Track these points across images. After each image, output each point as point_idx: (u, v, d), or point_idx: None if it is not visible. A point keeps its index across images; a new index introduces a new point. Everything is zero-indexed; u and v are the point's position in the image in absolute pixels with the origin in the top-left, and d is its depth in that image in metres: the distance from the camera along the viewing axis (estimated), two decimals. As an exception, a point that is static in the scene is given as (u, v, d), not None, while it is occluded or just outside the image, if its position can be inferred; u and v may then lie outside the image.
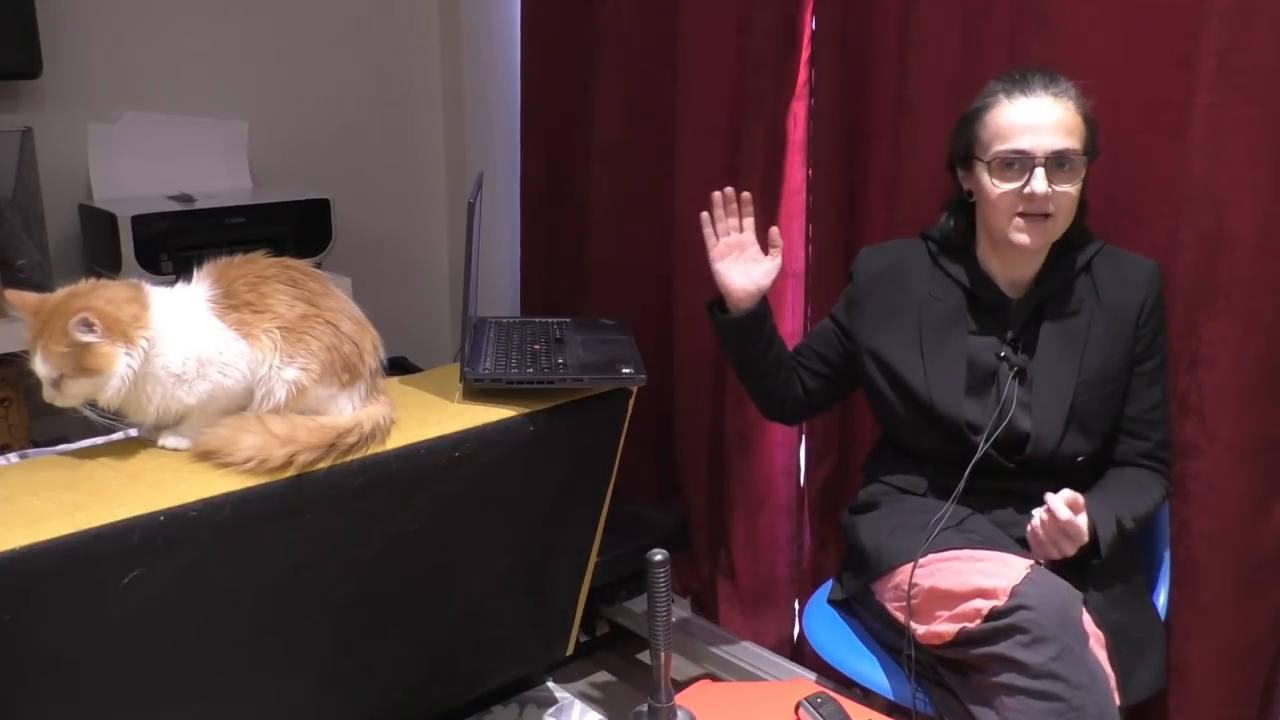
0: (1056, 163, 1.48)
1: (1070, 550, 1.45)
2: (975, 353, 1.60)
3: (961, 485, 1.54)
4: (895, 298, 1.67)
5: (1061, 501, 1.43)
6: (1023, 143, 1.49)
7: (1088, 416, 1.55)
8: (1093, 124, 1.53)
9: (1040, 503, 1.50)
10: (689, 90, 2.27)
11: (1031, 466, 1.56)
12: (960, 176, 1.62)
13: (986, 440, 1.54)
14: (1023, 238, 1.52)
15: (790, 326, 2.17)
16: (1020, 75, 1.53)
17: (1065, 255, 1.58)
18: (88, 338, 1.20)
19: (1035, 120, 1.49)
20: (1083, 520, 1.43)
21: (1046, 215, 1.50)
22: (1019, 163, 1.49)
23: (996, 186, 1.52)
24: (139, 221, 2.18)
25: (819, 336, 1.79)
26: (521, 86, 2.78)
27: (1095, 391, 1.55)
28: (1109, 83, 1.65)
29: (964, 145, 1.57)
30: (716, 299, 1.72)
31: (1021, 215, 1.51)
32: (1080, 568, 1.48)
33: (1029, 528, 1.47)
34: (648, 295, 2.47)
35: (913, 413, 1.62)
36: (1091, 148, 1.52)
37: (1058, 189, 1.49)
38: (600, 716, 1.78)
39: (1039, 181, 1.48)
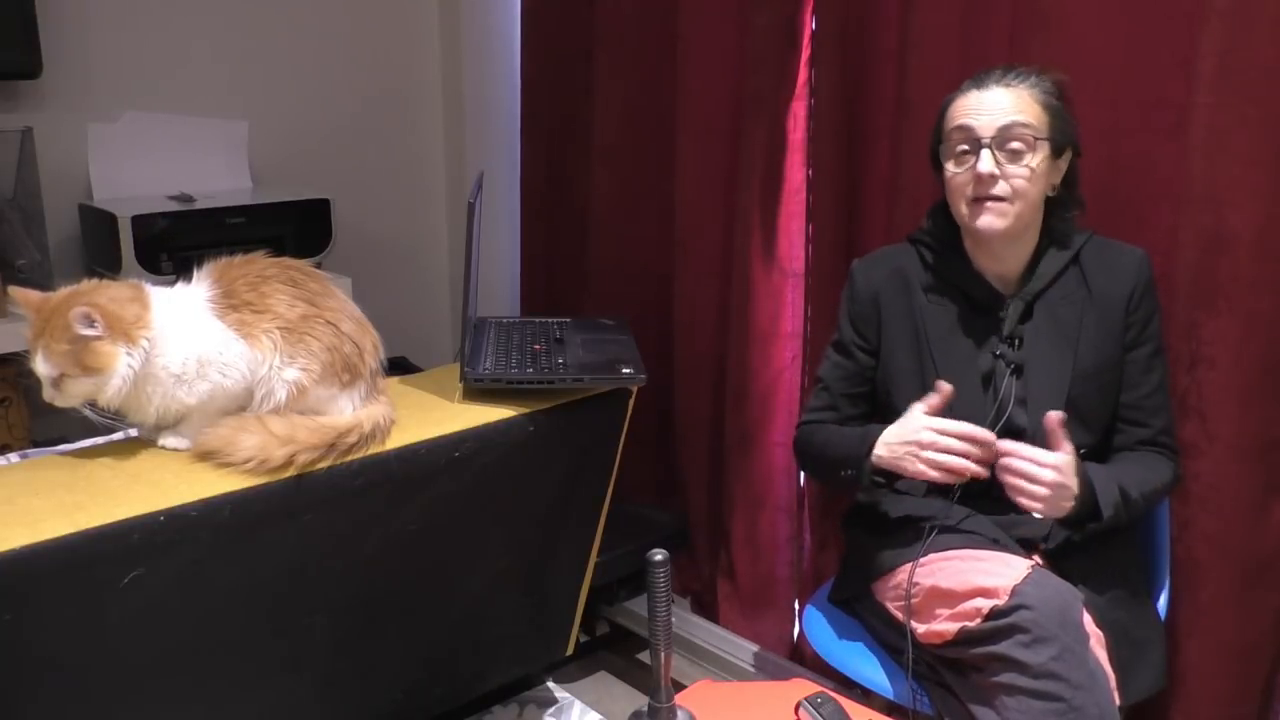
0: (1005, 142, 1.49)
1: (1067, 505, 1.43)
2: (975, 353, 1.59)
3: (956, 493, 1.54)
4: (899, 304, 1.66)
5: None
6: (967, 120, 1.52)
7: (1085, 409, 1.55)
8: (1059, 114, 1.53)
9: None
10: (689, 90, 2.27)
11: None
12: (940, 176, 1.62)
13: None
14: (980, 221, 1.52)
15: (789, 326, 2.17)
16: (983, 72, 1.56)
17: (1052, 249, 1.58)
18: (88, 331, 1.20)
19: (983, 105, 1.52)
20: (1060, 464, 1.42)
21: (1001, 199, 1.50)
22: (969, 144, 1.52)
23: (950, 170, 1.55)
24: (139, 221, 2.18)
25: (850, 380, 1.73)
26: (521, 86, 2.78)
27: (1091, 383, 1.55)
28: (1109, 83, 1.65)
29: (933, 141, 1.60)
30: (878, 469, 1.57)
31: (977, 200, 1.52)
32: (1081, 565, 1.48)
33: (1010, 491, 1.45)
34: (648, 295, 2.47)
35: None
36: (1059, 136, 1.52)
37: (1010, 172, 1.50)
38: (600, 716, 1.78)
39: (985, 161, 1.49)
